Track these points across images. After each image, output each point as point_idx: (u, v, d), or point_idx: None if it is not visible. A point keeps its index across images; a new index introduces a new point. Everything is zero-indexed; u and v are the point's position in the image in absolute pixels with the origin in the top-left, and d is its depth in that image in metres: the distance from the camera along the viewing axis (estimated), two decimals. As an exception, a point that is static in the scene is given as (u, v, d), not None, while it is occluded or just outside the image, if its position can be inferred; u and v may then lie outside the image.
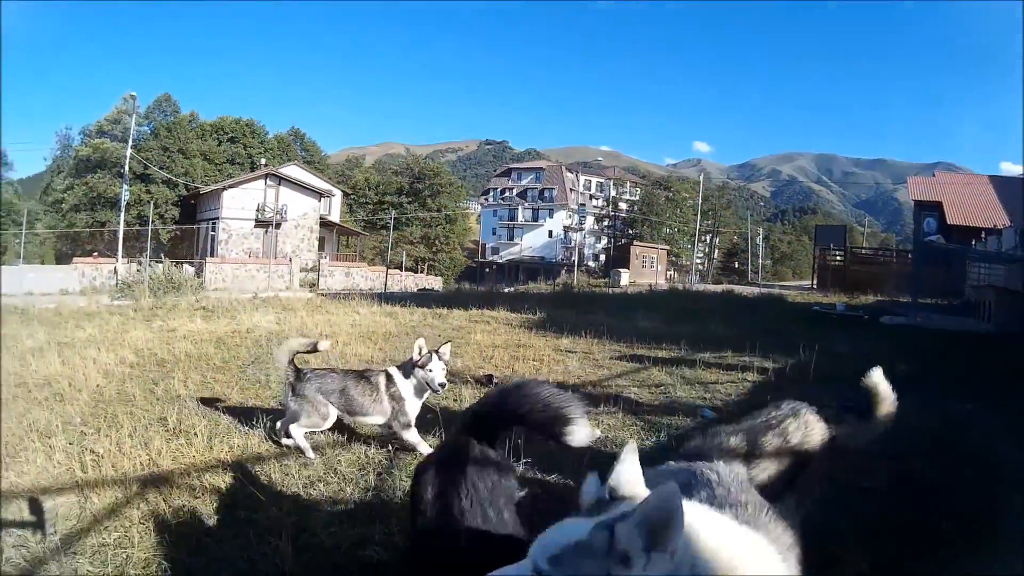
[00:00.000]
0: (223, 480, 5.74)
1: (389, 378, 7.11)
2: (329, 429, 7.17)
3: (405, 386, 7.03)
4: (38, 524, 4.92)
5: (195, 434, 6.87)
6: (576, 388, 9.61)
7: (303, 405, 6.85)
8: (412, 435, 6.92)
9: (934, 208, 49.98)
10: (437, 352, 6.98)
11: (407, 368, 7.07)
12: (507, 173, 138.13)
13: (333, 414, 7.03)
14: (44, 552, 4.52)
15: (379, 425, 7.23)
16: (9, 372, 10.36)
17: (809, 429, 3.98)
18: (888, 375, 4.01)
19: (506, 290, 44.04)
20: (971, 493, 5.81)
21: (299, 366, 7.13)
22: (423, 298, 30.34)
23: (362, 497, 5.56)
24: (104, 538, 4.78)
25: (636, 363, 11.91)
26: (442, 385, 6.90)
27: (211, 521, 4.96)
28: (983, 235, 40.42)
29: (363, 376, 7.21)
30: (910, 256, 43.08)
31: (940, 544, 4.79)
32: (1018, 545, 4.87)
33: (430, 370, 6.85)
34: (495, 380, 10.21)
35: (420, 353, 6.94)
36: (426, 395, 7.13)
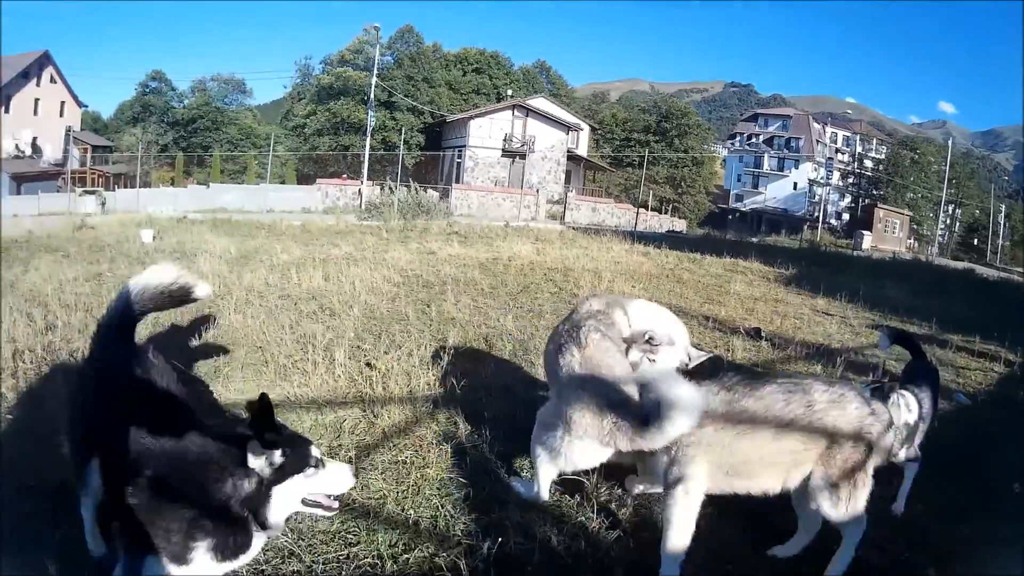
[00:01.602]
0: (517, 408, 5.61)
1: None
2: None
3: None
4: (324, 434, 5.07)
5: (479, 360, 6.90)
6: (836, 353, 9.36)
7: None
8: None
9: None
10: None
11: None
12: (753, 118, 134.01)
13: None
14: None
15: None
16: (270, 284, 10.94)
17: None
18: None
19: (752, 240, 43.80)
20: None
21: None
22: (673, 240, 30.27)
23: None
24: (396, 455, 4.88)
25: (890, 335, 11.38)
26: None
27: (504, 449, 4.91)
28: None
29: None
30: None
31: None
32: None
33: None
34: (763, 334, 9.95)
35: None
36: None
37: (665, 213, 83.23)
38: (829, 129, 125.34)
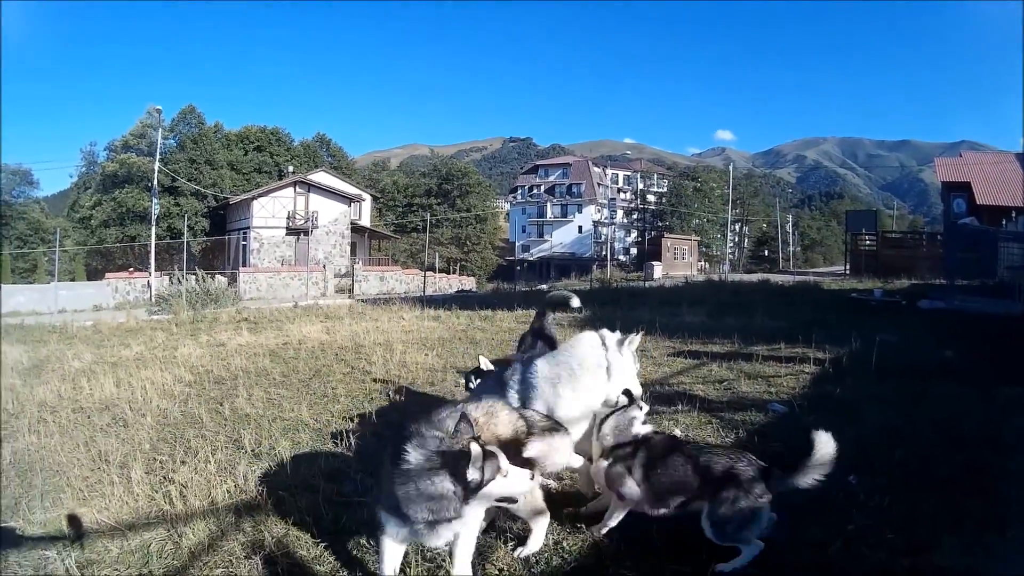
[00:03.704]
0: (322, 506, 5.35)
1: None
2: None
3: None
4: (132, 562, 4.68)
5: (276, 456, 6.64)
6: (644, 387, 9.22)
7: None
8: None
9: (963, 189, 49.20)
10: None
11: None
12: (534, 170, 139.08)
13: None
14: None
15: None
16: (62, 397, 10.31)
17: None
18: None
19: (543, 287, 43.75)
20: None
21: None
22: (463, 300, 29.98)
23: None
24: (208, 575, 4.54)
25: (694, 359, 11.75)
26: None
27: (317, 551, 4.68)
28: (1013, 214, 39.78)
29: None
30: (939, 238, 42.78)
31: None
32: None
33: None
34: None
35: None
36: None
37: (453, 273, 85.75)
38: (609, 171, 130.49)
